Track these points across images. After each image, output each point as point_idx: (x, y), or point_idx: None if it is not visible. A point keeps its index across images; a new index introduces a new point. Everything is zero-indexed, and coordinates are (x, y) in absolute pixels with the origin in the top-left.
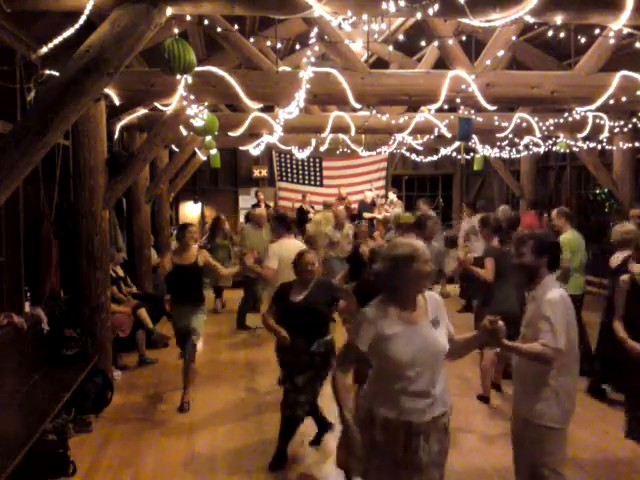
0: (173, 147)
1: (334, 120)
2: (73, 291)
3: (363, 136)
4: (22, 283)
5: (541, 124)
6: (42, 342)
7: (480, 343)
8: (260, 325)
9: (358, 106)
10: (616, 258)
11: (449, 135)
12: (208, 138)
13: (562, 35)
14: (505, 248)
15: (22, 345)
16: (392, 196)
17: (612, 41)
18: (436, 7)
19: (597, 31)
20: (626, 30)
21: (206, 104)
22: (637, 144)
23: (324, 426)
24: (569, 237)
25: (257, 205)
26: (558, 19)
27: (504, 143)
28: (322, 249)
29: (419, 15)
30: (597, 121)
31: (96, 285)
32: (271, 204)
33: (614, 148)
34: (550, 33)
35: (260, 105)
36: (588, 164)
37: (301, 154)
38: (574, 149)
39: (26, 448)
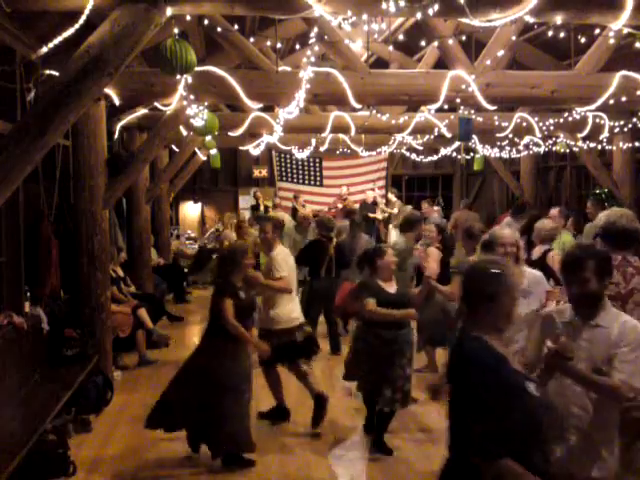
0: (173, 147)
1: (334, 120)
2: (73, 291)
3: (363, 136)
4: (22, 283)
5: (541, 124)
6: (42, 342)
7: None
8: None
9: (358, 106)
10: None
11: (449, 135)
12: (208, 138)
13: (562, 35)
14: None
15: (22, 345)
16: (391, 196)
17: (612, 41)
18: (436, 7)
19: (597, 31)
20: (626, 30)
21: (206, 104)
22: (637, 144)
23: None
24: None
25: (256, 206)
26: (558, 19)
27: (504, 143)
28: None
29: (419, 15)
30: (597, 121)
31: (96, 285)
32: (270, 204)
33: (614, 148)
34: (550, 33)
35: (260, 105)
36: (588, 164)
37: (301, 154)
38: (574, 149)
39: (26, 448)
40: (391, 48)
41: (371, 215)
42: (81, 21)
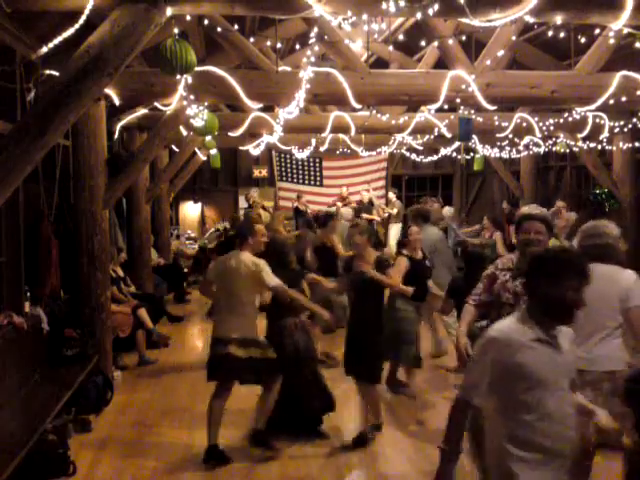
0: (173, 147)
1: (334, 120)
2: (73, 291)
3: (363, 136)
4: (22, 283)
5: (541, 124)
6: (42, 342)
7: None
8: None
9: (358, 106)
10: None
11: (449, 135)
12: (208, 138)
13: (562, 35)
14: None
15: (22, 345)
16: (391, 196)
17: (612, 41)
18: (436, 7)
19: (597, 31)
20: (626, 30)
21: (206, 104)
22: (637, 144)
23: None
24: None
25: (250, 208)
26: (558, 19)
27: (504, 143)
28: None
29: (419, 15)
30: (597, 121)
31: (96, 285)
32: (268, 204)
33: (614, 148)
34: (550, 33)
35: (260, 105)
36: (588, 164)
37: (301, 154)
38: (574, 149)
39: (26, 448)
40: (391, 48)
41: (368, 216)
42: (81, 21)
